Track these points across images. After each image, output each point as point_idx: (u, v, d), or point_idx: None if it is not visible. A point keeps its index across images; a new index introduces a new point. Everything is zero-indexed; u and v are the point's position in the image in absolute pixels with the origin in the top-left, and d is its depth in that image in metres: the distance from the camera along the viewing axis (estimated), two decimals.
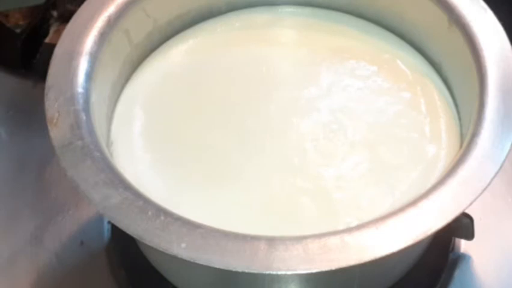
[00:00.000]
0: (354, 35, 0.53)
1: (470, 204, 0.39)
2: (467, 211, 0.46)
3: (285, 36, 0.54)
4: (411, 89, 0.50)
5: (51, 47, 0.47)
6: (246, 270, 0.37)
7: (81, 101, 0.44)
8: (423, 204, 0.39)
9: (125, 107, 0.49)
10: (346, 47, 0.52)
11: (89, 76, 0.45)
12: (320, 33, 0.53)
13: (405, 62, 0.51)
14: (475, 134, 0.42)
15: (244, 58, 0.52)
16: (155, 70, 0.51)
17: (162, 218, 0.39)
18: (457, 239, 0.53)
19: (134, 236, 0.39)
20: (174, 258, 0.38)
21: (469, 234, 0.50)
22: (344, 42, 0.53)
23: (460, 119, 0.48)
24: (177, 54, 0.52)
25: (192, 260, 0.37)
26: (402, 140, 0.47)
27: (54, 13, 0.65)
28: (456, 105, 0.49)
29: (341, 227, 0.39)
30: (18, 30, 0.65)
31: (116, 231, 0.53)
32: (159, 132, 0.48)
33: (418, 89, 0.50)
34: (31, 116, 0.59)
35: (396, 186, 0.45)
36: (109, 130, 0.48)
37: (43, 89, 0.44)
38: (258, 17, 0.54)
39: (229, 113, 0.49)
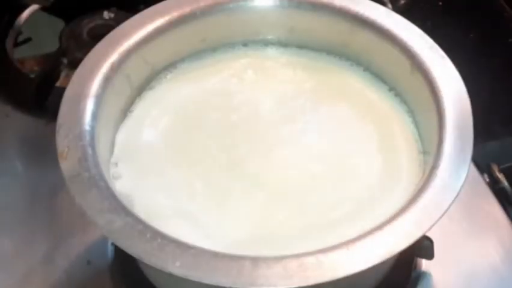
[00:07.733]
0: (331, 72, 0.55)
1: (430, 228, 0.41)
2: (427, 234, 0.47)
3: (265, 74, 0.55)
4: (380, 123, 0.51)
5: (62, 90, 0.48)
6: (233, 286, 0.39)
7: (88, 137, 0.45)
8: (389, 228, 0.41)
9: (125, 136, 0.51)
10: (323, 84, 0.54)
11: (95, 115, 0.47)
12: (302, 71, 0.55)
13: (379, 99, 0.53)
14: (434, 167, 0.44)
15: (226, 93, 0.54)
16: (151, 105, 0.53)
17: (159, 240, 0.40)
18: (418, 259, 0.54)
19: (135, 256, 0.40)
20: (170, 276, 0.39)
21: (429, 255, 0.52)
22: (322, 80, 0.54)
23: (423, 152, 0.50)
24: (171, 91, 0.54)
25: (185, 277, 0.39)
26: (363, 173, 0.49)
27: (65, 60, 0.67)
28: (421, 139, 0.51)
29: (318, 243, 0.41)
30: (32, 75, 0.67)
31: (119, 251, 0.53)
32: (155, 157, 0.50)
33: (387, 123, 0.51)
34: (44, 151, 0.58)
35: (360, 214, 0.47)
36: (111, 152, 0.50)
37: (55, 126, 0.46)
38: (241, 56, 0.56)
39: (216, 141, 0.50)
